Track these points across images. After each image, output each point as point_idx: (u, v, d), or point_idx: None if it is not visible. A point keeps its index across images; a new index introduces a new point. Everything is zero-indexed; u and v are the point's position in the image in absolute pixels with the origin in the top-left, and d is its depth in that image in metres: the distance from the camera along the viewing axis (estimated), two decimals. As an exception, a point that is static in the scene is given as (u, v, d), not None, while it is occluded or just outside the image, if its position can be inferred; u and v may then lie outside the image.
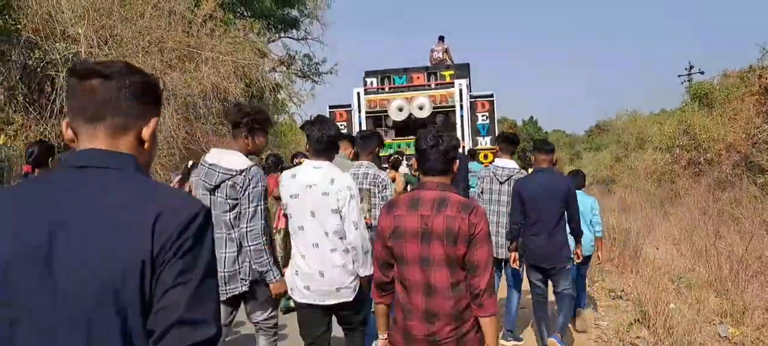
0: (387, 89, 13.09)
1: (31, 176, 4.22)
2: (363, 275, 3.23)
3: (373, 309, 3.13)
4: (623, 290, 6.45)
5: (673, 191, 17.59)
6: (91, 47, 7.78)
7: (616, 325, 5.30)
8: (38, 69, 7.75)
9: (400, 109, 12.53)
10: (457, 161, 2.58)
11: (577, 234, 4.66)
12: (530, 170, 5.44)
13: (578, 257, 4.76)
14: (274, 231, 5.87)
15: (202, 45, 9.31)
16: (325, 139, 3.18)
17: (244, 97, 10.22)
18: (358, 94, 12.81)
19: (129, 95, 1.28)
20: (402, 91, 12.86)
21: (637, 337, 4.84)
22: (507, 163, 5.11)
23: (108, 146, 1.27)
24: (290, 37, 23.30)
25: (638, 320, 5.31)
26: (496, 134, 13.04)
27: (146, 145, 1.33)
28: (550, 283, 4.65)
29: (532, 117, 53.13)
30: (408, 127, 12.95)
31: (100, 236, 1.16)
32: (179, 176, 7.79)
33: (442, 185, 2.51)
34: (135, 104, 1.29)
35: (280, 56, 23.10)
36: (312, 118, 2.96)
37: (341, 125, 12.93)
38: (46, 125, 7.61)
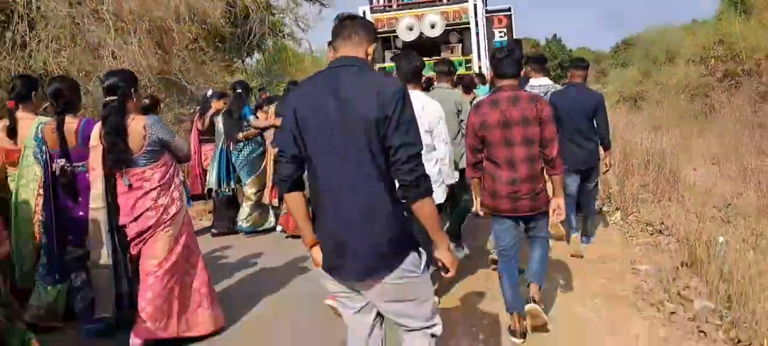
0: (395, 6, 11.97)
1: (15, 110, 4.12)
2: (449, 183, 3.97)
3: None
4: (663, 223, 5.58)
5: (708, 105, 16.40)
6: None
7: (658, 271, 4.47)
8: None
9: (410, 29, 11.41)
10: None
11: (606, 143, 5.23)
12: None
13: (607, 165, 5.44)
14: None
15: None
16: (411, 70, 3.77)
17: (225, 18, 9.14)
18: (364, 12, 11.72)
19: (359, 28, 2.20)
20: (411, 8, 11.71)
21: (687, 287, 4.02)
22: (542, 82, 5.44)
23: (353, 54, 2.17)
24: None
25: (686, 264, 4.47)
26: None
27: (370, 57, 2.21)
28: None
29: (555, 35, 50.85)
30: (419, 47, 11.88)
31: (358, 97, 2.04)
32: (198, 107, 7.21)
33: (513, 86, 3.47)
34: (362, 33, 2.19)
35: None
36: (400, 52, 3.09)
37: (346, 48, 11.98)
38: (11, 59, 6.81)
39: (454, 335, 3.62)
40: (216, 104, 6.92)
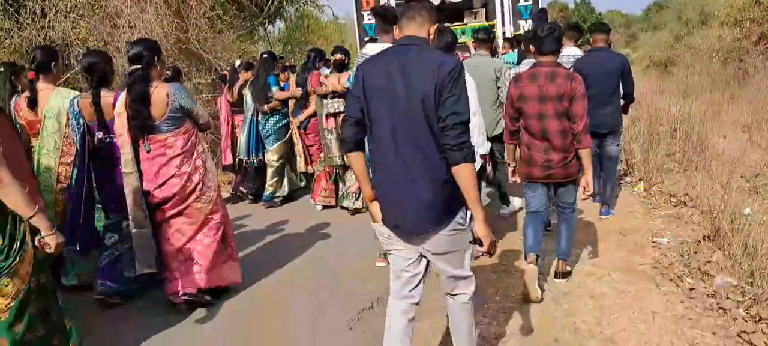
0: (417, -30, 11.69)
1: (35, 81, 4.18)
2: (481, 153, 4.01)
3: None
4: (687, 195, 5.43)
5: (742, 69, 15.85)
6: None
7: (680, 244, 4.38)
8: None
9: (433, -8, 11.17)
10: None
11: (629, 99, 5.37)
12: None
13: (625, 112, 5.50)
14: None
15: None
16: (444, 45, 3.78)
17: None
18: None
19: (423, 10, 2.42)
20: (434, -28, 11.45)
21: (708, 262, 3.92)
22: (571, 51, 5.45)
23: (416, 34, 2.42)
24: None
25: (708, 237, 4.36)
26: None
27: (431, 38, 2.46)
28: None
29: (583, -3, 49.47)
30: (441, 12, 11.67)
31: (418, 72, 2.30)
32: (227, 78, 7.25)
33: (552, 62, 3.71)
34: (425, 14, 2.43)
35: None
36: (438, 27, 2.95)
37: (369, 16, 11.78)
38: (31, 29, 6.86)
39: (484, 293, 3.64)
40: (244, 75, 6.99)
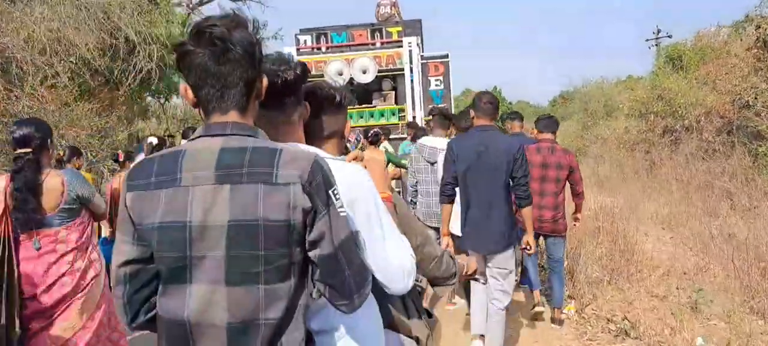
0: (324, 49, 10.91)
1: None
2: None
3: None
4: (627, 319, 4.52)
5: (649, 160, 15.99)
6: None
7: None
8: None
9: (340, 73, 10.36)
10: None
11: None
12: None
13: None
14: None
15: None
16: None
17: (99, 51, 7.63)
18: (289, 54, 10.50)
19: (494, 108, 4.10)
20: (342, 52, 10.68)
21: None
22: (438, 142, 5.06)
23: (488, 123, 3.97)
24: (227, -1, 20.74)
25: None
26: (452, 102, 11.08)
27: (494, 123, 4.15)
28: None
29: (495, 87, 51.38)
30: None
31: (498, 150, 3.80)
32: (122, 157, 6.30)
33: (551, 139, 5.03)
34: (493, 109, 4.07)
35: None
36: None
37: (268, 94, 10.77)
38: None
39: None
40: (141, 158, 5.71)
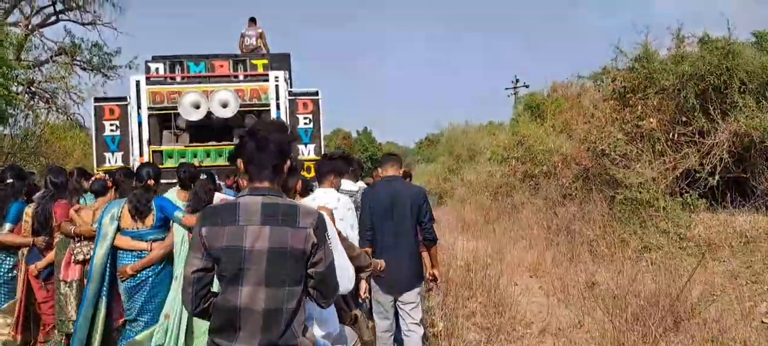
0: (179, 79, 9.85)
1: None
2: None
3: None
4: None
5: (510, 204, 16.45)
6: None
7: None
8: None
9: (196, 106, 9.32)
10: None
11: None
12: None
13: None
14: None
15: None
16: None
17: None
18: (137, 83, 9.45)
19: (397, 161, 4.93)
20: (199, 82, 9.68)
21: None
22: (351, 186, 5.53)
23: (395, 173, 4.71)
24: (73, 21, 18.81)
25: None
26: (322, 142, 10.45)
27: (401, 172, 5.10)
28: None
29: (366, 128, 51.87)
30: (207, 129, 9.85)
31: (404, 196, 4.48)
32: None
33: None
34: (397, 162, 4.96)
35: (59, 42, 18.58)
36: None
37: (112, 125, 9.49)
38: None
39: None
40: None
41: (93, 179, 4.72)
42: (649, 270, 8.20)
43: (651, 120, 10.61)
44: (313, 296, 2.33)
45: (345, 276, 2.61)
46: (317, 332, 2.67)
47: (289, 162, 2.39)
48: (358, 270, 3.05)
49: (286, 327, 2.21)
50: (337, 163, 5.09)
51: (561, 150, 15.31)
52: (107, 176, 4.73)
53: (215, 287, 2.36)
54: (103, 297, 4.32)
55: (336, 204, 4.24)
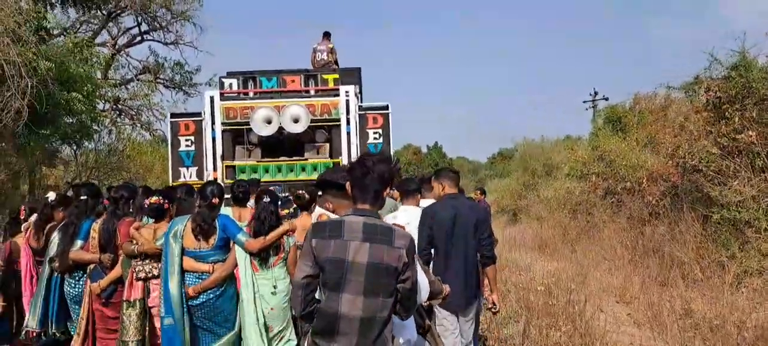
0: (252, 94, 9.90)
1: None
2: None
3: None
4: None
5: (591, 223, 15.58)
6: None
7: None
8: None
9: (268, 122, 9.32)
10: None
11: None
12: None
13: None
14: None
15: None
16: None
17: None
18: (211, 99, 9.54)
19: (457, 177, 4.85)
20: (271, 98, 9.68)
21: None
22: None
23: (456, 191, 4.65)
24: (157, 41, 19.57)
25: None
26: (393, 155, 10.18)
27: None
28: None
29: (436, 143, 51.44)
30: (279, 144, 9.81)
31: (468, 215, 4.43)
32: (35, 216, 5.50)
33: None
34: (457, 178, 4.81)
35: (143, 61, 19.39)
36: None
37: (187, 140, 9.61)
38: None
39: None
40: (58, 215, 5.20)
41: (147, 202, 4.65)
42: (752, 297, 7.43)
43: (750, 133, 9.69)
44: (396, 308, 2.59)
45: (422, 289, 2.83)
46: (399, 339, 2.90)
47: (387, 189, 2.77)
48: (431, 296, 3.15)
49: (379, 334, 2.51)
50: (424, 185, 5.37)
51: (646, 165, 14.37)
52: (162, 198, 4.62)
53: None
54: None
55: (412, 221, 4.48)
